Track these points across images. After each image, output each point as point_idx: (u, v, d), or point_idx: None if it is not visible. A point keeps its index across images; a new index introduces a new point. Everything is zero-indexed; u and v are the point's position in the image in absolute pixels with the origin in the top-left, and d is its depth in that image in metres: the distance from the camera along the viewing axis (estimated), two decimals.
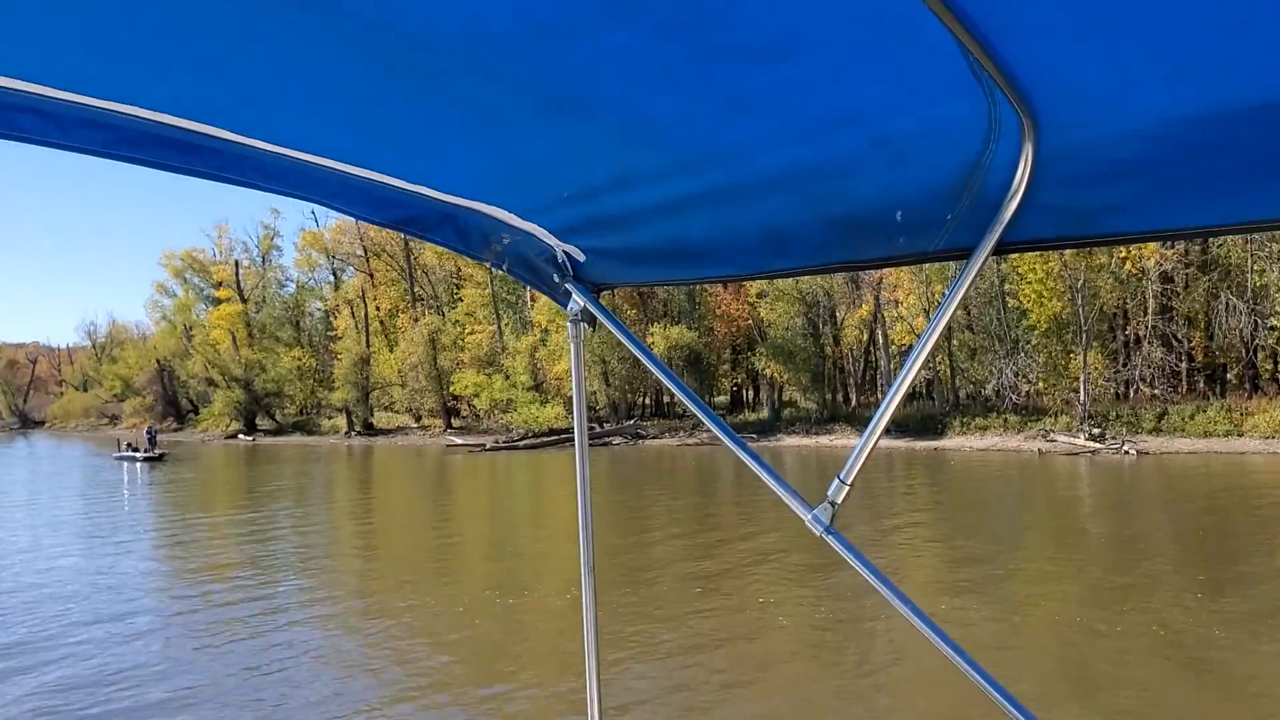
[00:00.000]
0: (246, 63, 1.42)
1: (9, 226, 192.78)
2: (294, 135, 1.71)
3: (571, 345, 2.48)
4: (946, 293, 1.77)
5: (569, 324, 2.41)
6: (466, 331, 70.40)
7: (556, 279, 2.34)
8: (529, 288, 2.77)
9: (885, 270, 49.98)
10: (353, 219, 72.80)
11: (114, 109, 1.52)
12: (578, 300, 2.35)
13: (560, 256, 2.30)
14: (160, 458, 53.62)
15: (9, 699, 11.02)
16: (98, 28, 1.29)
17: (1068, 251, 43.94)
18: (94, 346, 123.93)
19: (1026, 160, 1.51)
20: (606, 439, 55.30)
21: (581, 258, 2.29)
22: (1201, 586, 14.78)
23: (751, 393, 68.19)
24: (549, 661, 12.12)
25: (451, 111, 1.60)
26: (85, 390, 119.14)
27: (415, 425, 72.16)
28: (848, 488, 1.87)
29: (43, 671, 12.03)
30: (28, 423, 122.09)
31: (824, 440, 51.44)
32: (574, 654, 12.15)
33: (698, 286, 59.07)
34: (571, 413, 60.07)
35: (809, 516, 1.90)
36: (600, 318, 2.36)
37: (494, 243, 2.22)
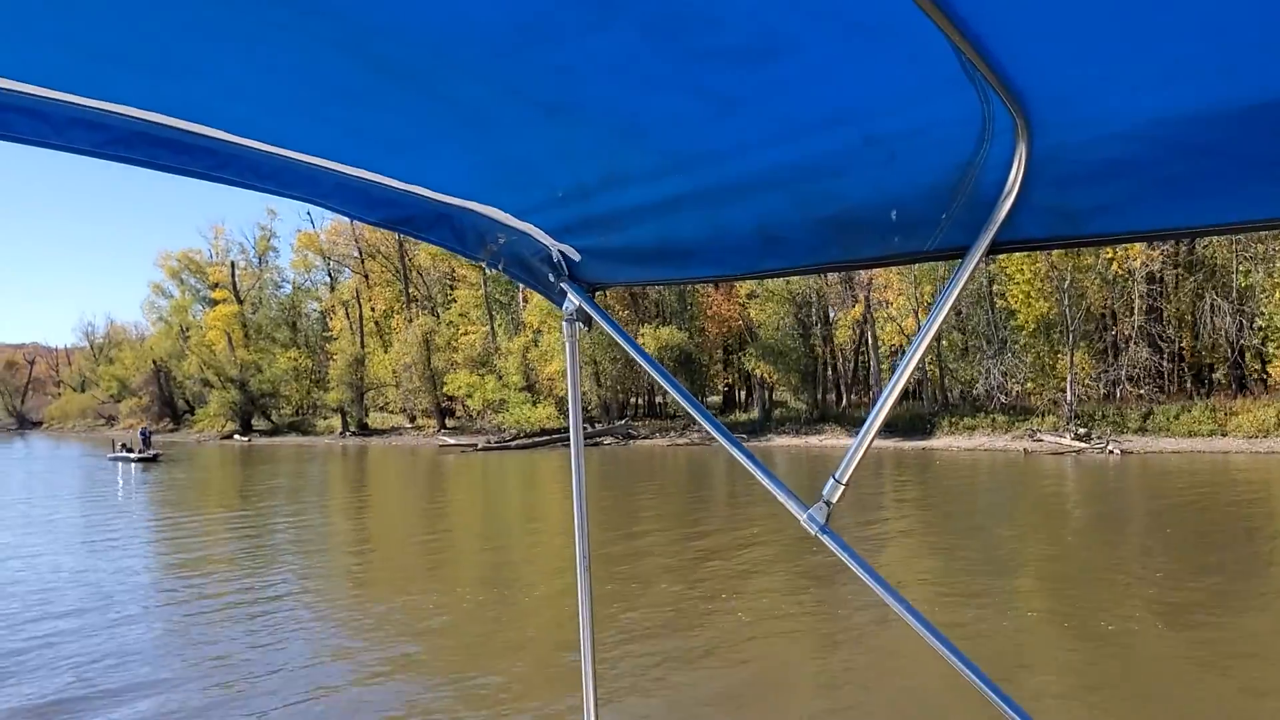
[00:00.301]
0: (240, 62, 1.43)
1: (6, 227, 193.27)
2: (288, 135, 1.73)
3: (567, 344, 2.50)
4: (941, 292, 1.79)
5: (564, 323, 2.42)
6: (460, 332, 70.64)
7: (552, 278, 2.35)
8: (524, 287, 2.79)
9: (875, 271, 50.42)
10: (349, 219, 73.03)
11: (107, 109, 1.53)
12: (573, 299, 2.35)
13: (555, 256, 2.31)
14: (154, 458, 53.76)
15: None
16: (90, 28, 1.30)
17: (1055, 252, 44.24)
18: (91, 347, 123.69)
19: (1020, 160, 1.52)
20: (598, 439, 55.53)
21: (576, 257, 2.30)
22: (1158, 581, 15.10)
23: (744, 393, 68.37)
24: (535, 651, 12.41)
25: (446, 112, 1.62)
26: (83, 391, 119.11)
27: (410, 425, 72.39)
28: (843, 487, 1.87)
29: (16, 660, 12.33)
30: (25, 423, 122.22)
31: (814, 440, 51.67)
32: (560, 645, 12.46)
33: (688, 287, 59.27)
34: (563, 413, 59.95)
35: (804, 516, 1.91)
36: (595, 317, 2.36)
37: (490, 243, 2.24)
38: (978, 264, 1.72)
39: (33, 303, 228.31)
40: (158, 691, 11.02)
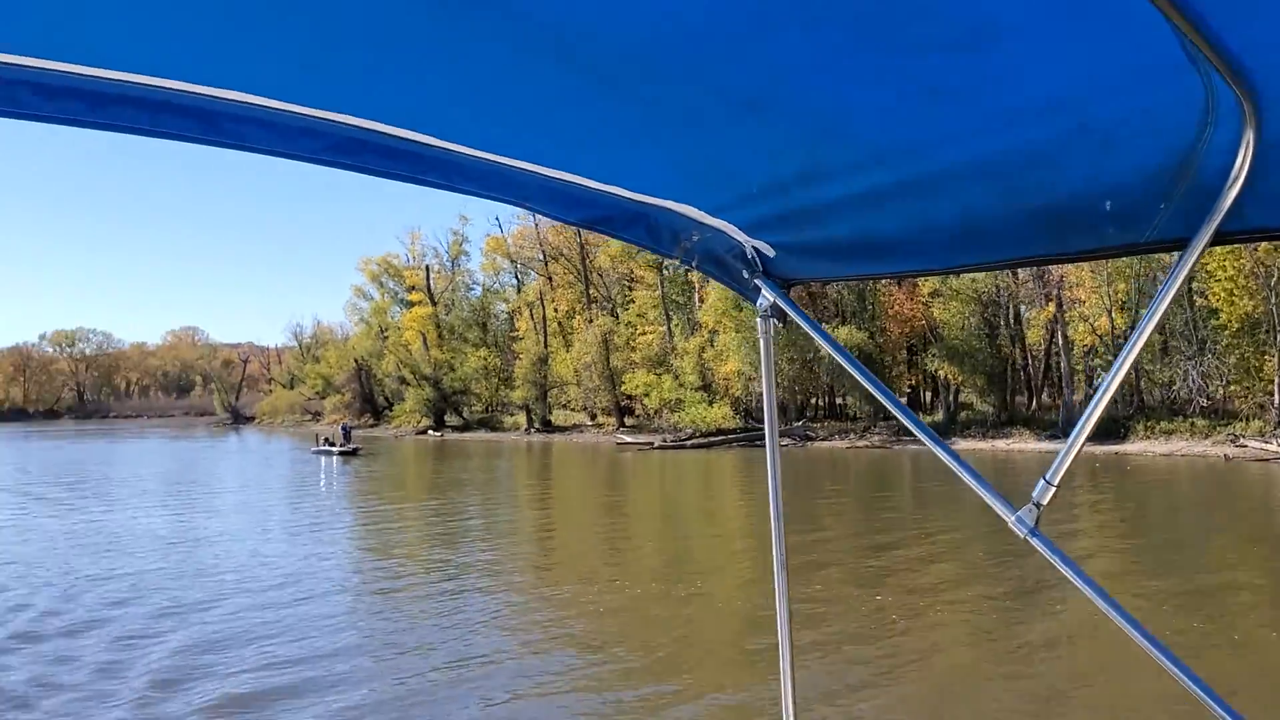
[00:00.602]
0: (446, 70, 1.49)
1: (225, 235, 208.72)
2: (492, 140, 1.79)
3: (761, 341, 2.49)
4: (1161, 285, 1.73)
5: (759, 320, 2.42)
6: (638, 332, 71.59)
7: (746, 275, 2.33)
8: (702, 288, 2.60)
9: (1066, 268, 48.24)
10: (546, 220, 74.89)
11: (327, 117, 1.63)
12: (767, 296, 2.34)
13: (749, 252, 2.30)
14: (354, 452, 56.83)
15: (200, 642, 12.71)
16: (311, 41, 1.40)
17: (1263, 247, 41.31)
18: (299, 347, 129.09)
19: (1247, 145, 1.43)
20: None
21: (771, 253, 2.28)
22: None
23: (930, 394, 66.69)
24: (706, 639, 12.87)
25: (644, 112, 1.64)
26: (291, 388, 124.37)
27: (590, 423, 73.88)
28: (1053, 489, 1.83)
29: (214, 634, 13.70)
30: (239, 418, 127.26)
31: (1000, 444, 49.97)
32: (731, 634, 12.91)
33: (869, 285, 58.09)
34: (739, 412, 59.31)
35: (1013, 518, 1.87)
36: (790, 313, 2.34)
37: (684, 240, 2.25)
38: (1200, 255, 1.66)
39: (248, 305, 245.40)
40: (336, 661, 12.15)
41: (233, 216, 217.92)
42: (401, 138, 1.73)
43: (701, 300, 65.86)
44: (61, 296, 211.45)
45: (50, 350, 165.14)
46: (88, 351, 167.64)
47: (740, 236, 2.25)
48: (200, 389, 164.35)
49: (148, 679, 11.61)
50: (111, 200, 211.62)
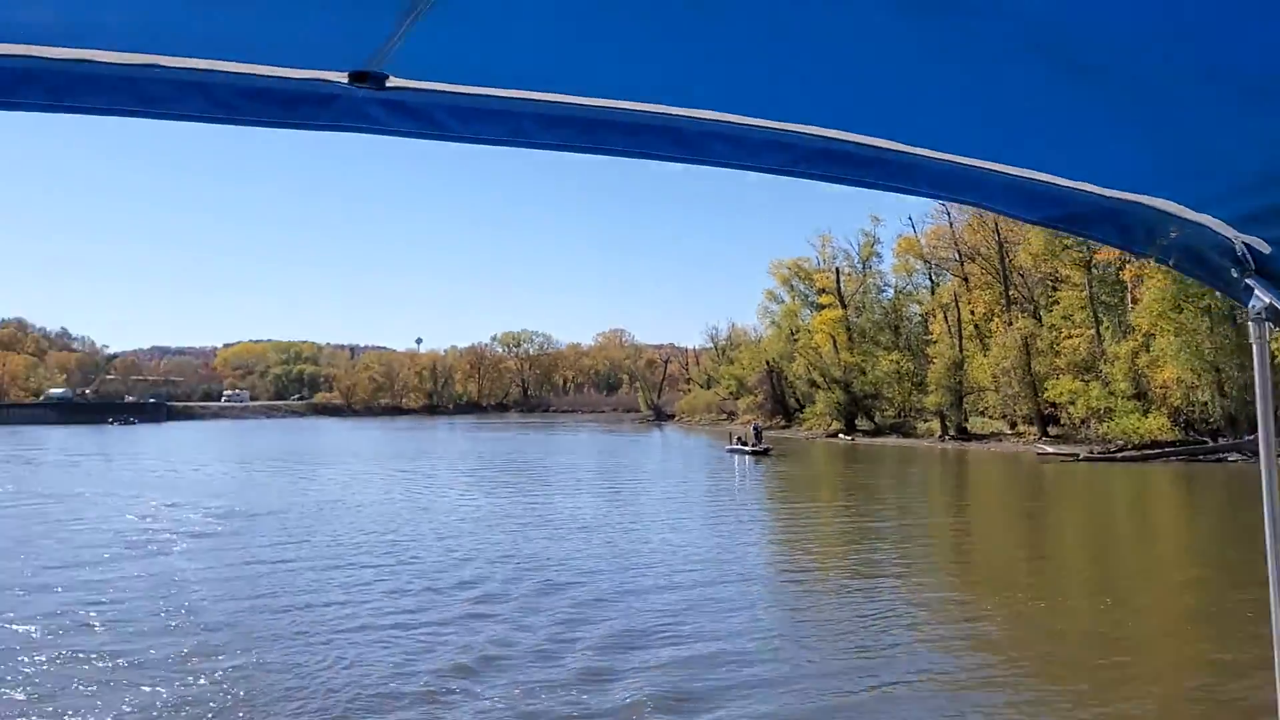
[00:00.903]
0: (909, 77, 1.49)
1: (650, 243, 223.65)
2: (955, 141, 1.80)
3: (1254, 347, 2.30)
4: None
5: (1250, 323, 2.22)
6: (1062, 336, 67.25)
7: (1235, 274, 2.14)
8: (1200, 284, 2.52)
9: None
10: (962, 219, 72.14)
11: (793, 129, 1.68)
12: (1261, 297, 2.12)
13: (1239, 249, 2.12)
14: (765, 452, 58.51)
15: (641, 611, 13.94)
16: (774, 58, 1.43)
17: None
18: (715, 348, 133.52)
19: None
20: (1221, 455, 49.70)
21: (1266, 250, 2.09)
22: None
23: None
24: (1141, 659, 12.36)
25: (1118, 105, 1.56)
26: (707, 388, 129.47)
27: (1009, 431, 70.41)
28: None
29: (646, 601, 14.86)
30: (660, 415, 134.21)
31: None
32: (1161, 656, 12.49)
33: None
34: (1177, 424, 53.46)
35: None
36: None
37: (1159, 237, 2.11)
38: None
39: (670, 309, 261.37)
40: (732, 641, 13.14)
41: (655, 226, 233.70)
42: (865, 145, 1.75)
43: (1135, 301, 60.67)
44: (511, 302, 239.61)
45: (500, 350, 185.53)
46: (531, 351, 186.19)
47: (1229, 232, 2.09)
48: (626, 387, 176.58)
49: (584, 645, 13.21)
50: (552, 218, 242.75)
